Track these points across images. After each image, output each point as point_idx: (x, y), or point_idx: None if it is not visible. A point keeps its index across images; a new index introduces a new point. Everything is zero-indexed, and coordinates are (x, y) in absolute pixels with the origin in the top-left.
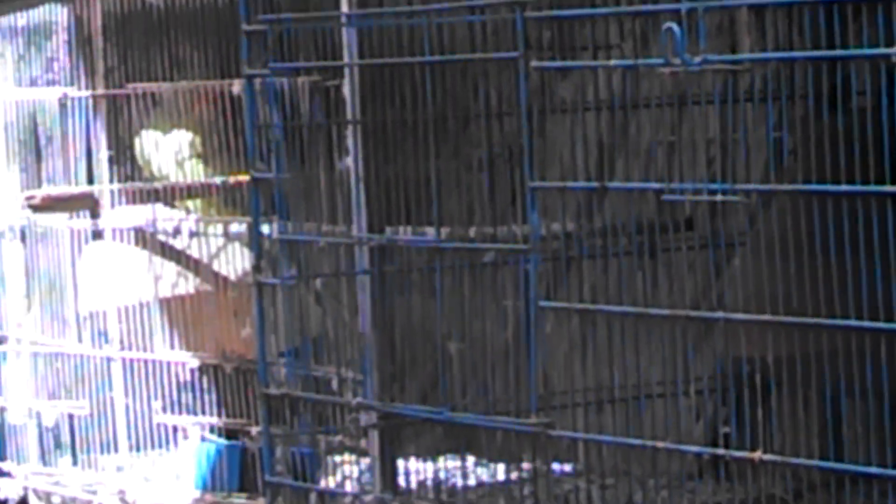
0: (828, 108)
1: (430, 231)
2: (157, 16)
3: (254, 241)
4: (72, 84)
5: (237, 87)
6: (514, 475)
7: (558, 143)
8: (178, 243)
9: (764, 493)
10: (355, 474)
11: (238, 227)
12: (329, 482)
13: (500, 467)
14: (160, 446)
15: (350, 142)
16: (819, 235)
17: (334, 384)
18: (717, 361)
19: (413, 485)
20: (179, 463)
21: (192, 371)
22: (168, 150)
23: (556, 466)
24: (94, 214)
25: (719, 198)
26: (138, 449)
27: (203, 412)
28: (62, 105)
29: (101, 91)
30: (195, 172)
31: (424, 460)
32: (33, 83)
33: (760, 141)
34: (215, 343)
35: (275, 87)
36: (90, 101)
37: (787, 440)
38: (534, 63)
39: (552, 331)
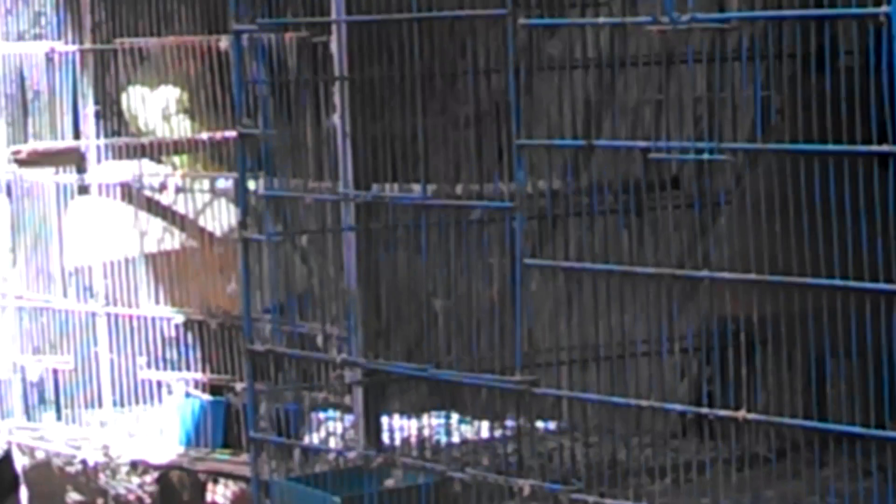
0: (815, 68)
1: (417, 188)
2: None
3: (240, 197)
4: (59, 38)
5: (224, 42)
6: (498, 433)
7: (545, 100)
8: (164, 199)
9: (748, 451)
10: (339, 430)
11: (224, 182)
12: (313, 438)
13: (485, 425)
14: (144, 402)
15: (337, 98)
16: (805, 195)
17: (319, 341)
18: (702, 320)
19: (397, 442)
20: (164, 419)
21: (177, 327)
22: (155, 106)
23: (540, 424)
24: (81, 169)
25: (706, 157)
26: (122, 404)
27: (188, 368)
28: (49, 59)
29: (88, 46)
30: (182, 128)
31: (409, 417)
32: (20, 37)
33: (748, 100)
34: (200, 299)
35: (262, 43)
36: (77, 56)
37: (771, 399)
38: (521, 20)
39: (537, 289)
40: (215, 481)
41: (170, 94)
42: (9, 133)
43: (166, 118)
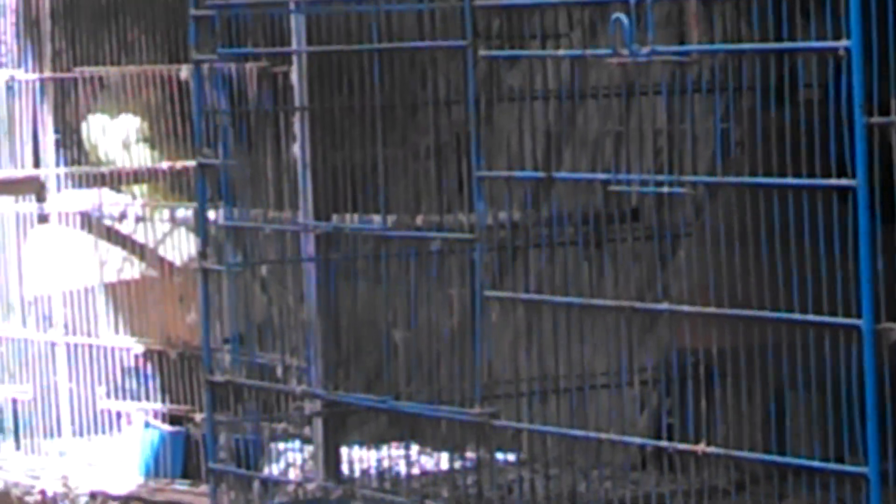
0: (775, 101)
1: (377, 219)
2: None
3: (200, 226)
4: (19, 66)
5: (185, 71)
6: (458, 464)
7: (506, 131)
8: (124, 228)
9: (707, 484)
10: (299, 462)
11: (184, 212)
12: (273, 470)
13: (445, 456)
14: (104, 432)
15: (297, 128)
16: (764, 228)
17: (279, 371)
18: (662, 352)
19: (357, 473)
20: (123, 449)
21: (136, 356)
22: (115, 135)
23: (500, 456)
24: (40, 198)
25: (666, 189)
26: (82, 434)
27: (147, 398)
28: (9, 87)
29: (48, 74)
30: (142, 157)
31: (368, 448)
32: None
33: (707, 132)
34: (160, 329)
35: (223, 73)
36: (37, 84)
37: (730, 432)
38: (482, 52)
39: (497, 320)
40: None
41: (130, 123)
42: None
43: (126, 147)
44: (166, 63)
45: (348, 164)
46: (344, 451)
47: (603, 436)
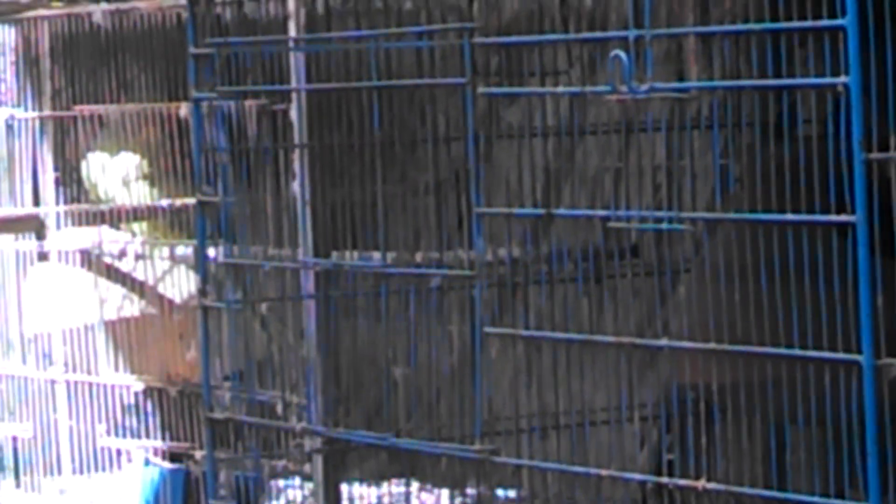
0: (774, 137)
1: (377, 256)
2: (105, 38)
3: (199, 264)
4: (19, 105)
5: (184, 109)
6: (458, 501)
7: (505, 168)
8: (124, 266)
9: None
10: (299, 499)
11: (184, 250)
12: None
13: (445, 493)
14: (104, 469)
15: (297, 166)
16: (764, 264)
17: (279, 409)
18: (662, 388)
19: None
20: (123, 486)
21: (136, 394)
22: (115, 173)
23: (500, 492)
24: (40, 236)
25: (665, 226)
26: (82, 472)
27: (147, 435)
28: (9, 126)
29: (48, 112)
30: (141, 195)
31: (369, 485)
32: None
33: (707, 168)
34: (160, 366)
35: (222, 111)
36: (37, 123)
37: (731, 468)
38: (481, 89)
39: (497, 356)
40: None
41: (129, 161)
42: None
43: (126, 185)
44: (166, 101)
45: (348, 202)
46: (344, 488)
47: (603, 472)
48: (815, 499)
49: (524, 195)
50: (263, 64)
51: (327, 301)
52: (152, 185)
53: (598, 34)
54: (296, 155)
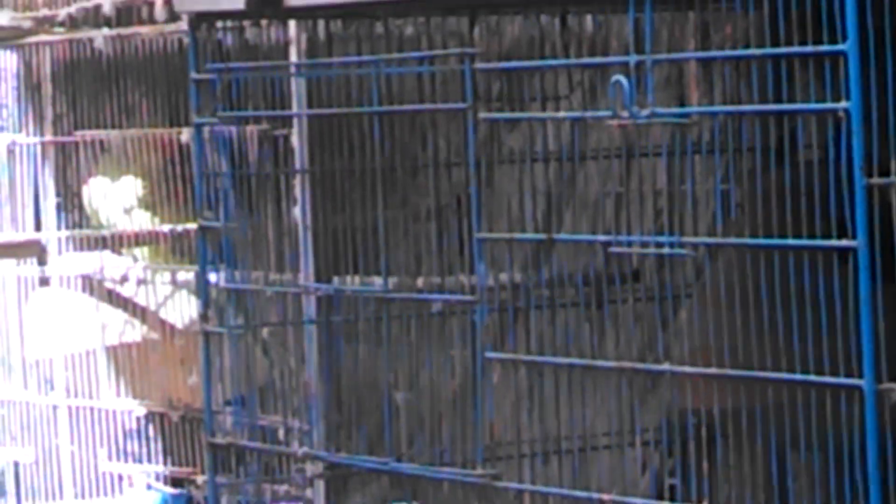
0: (775, 162)
1: (378, 281)
2: (106, 63)
3: (201, 289)
4: (20, 130)
5: (186, 135)
6: None
7: (506, 193)
8: (126, 291)
9: None
10: None
11: (185, 275)
12: None
13: None
14: (106, 494)
15: (298, 191)
16: (765, 289)
17: (281, 434)
18: (664, 413)
19: None
20: None
21: (138, 419)
22: (116, 198)
23: None
24: (42, 261)
25: (666, 251)
26: (83, 496)
27: (149, 460)
28: (10, 152)
29: (49, 138)
30: (143, 220)
31: None
32: None
33: (708, 193)
34: (162, 391)
35: (223, 136)
36: (38, 148)
37: (732, 493)
38: (482, 114)
39: (499, 381)
40: None
41: (131, 187)
42: None
43: (128, 211)
44: (167, 126)
45: (349, 227)
46: None
47: (605, 497)
48: None
49: (525, 220)
50: (265, 89)
51: (329, 326)
52: (154, 210)
53: (599, 59)
54: (297, 180)
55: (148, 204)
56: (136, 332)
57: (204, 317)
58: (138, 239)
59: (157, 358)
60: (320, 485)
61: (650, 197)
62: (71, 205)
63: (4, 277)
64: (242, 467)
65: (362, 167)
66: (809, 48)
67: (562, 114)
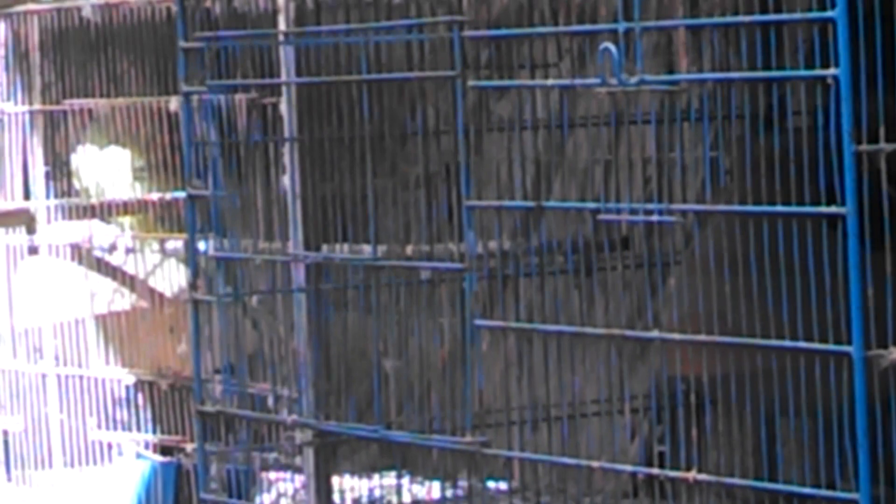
0: (764, 128)
1: (367, 249)
2: (95, 32)
3: (190, 257)
4: (8, 99)
5: (174, 103)
6: (449, 493)
7: (495, 161)
8: (115, 260)
9: None
10: (290, 491)
11: (174, 243)
12: (264, 499)
13: (436, 485)
14: (95, 463)
15: (287, 159)
16: (754, 255)
17: (270, 401)
18: (653, 380)
19: (348, 502)
20: (114, 480)
21: (127, 387)
22: (105, 167)
23: (491, 484)
24: (30, 230)
25: (655, 218)
26: (73, 465)
27: (138, 429)
28: None
29: (37, 107)
30: (132, 189)
31: (360, 478)
32: None
33: (696, 161)
34: (151, 359)
35: (212, 104)
36: (27, 117)
37: (722, 459)
38: (471, 82)
39: (488, 349)
40: None
41: (120, 155)
42: None
43: (116, 179)
44: (156, 95)
45: (338, 195)
46: (335, 480)
47: (594, 464)
48: (806, 489)
49: (514, 188)
50: (253, 58)
51: (318, 294)
52: (142, 179)
53: (588, 27)
54: (286, 148)
55: (137, 172)
56: (125, 300)
57: (193, 285)
58: (127, 207)
59: (146, 326)
60: (309, 453)
61: (639, 164)
62: (59, 173)
63: None
64: (232, 435)
65: (351, 135)
66: (799, 15)
67: (551, 81)
